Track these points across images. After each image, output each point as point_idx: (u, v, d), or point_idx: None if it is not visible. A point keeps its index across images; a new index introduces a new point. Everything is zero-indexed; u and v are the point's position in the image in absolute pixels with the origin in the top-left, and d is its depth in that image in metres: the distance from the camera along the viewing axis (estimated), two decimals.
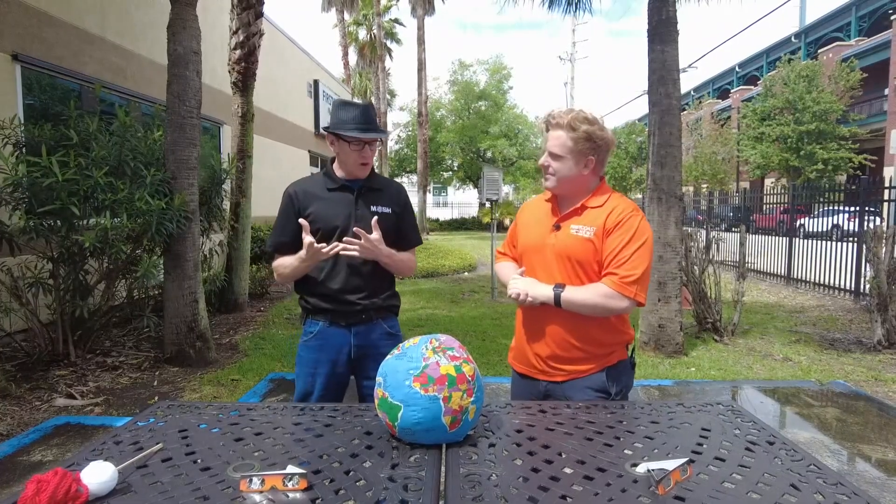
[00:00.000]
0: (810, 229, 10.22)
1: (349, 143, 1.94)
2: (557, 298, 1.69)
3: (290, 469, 1.13)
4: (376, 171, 2.13)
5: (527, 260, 1.85)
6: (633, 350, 1.88)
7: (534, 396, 1.85)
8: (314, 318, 2.07)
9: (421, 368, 1.32)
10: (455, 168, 32.40)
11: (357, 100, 2.16)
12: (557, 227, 1.77)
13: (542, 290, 1.72)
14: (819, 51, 27.10)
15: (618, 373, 1.78)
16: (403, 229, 2.11)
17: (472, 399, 1.33)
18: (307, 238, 1.86)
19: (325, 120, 15.30)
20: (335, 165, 2.06)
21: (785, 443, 1.36)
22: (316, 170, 14.84)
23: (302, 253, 1.89)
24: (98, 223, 4.22)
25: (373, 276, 2.02)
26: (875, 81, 22.45)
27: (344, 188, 2.02)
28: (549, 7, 6.67)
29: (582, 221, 1.74)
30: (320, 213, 1.99)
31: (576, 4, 6.72)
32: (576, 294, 1.68)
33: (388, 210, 2.05)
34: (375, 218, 1.92)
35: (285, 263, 2.00)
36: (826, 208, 10.42)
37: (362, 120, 1.94)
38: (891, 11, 22.65)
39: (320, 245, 1.86)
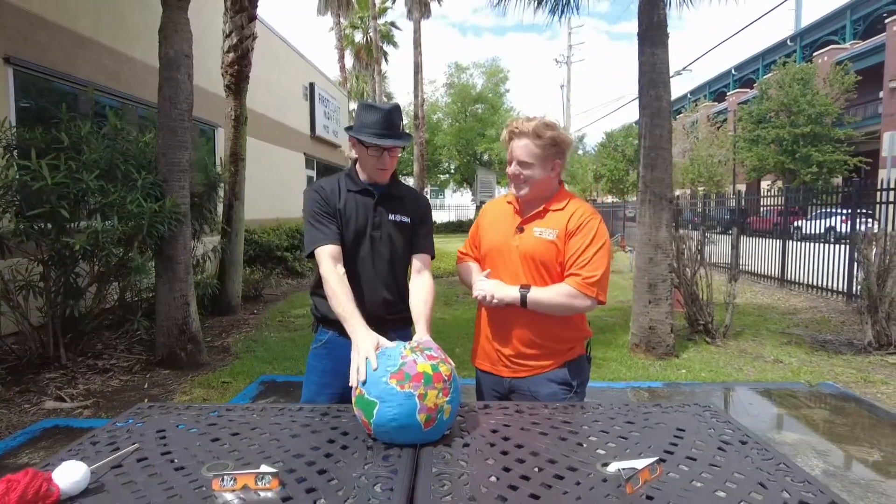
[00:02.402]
0: (806, 231, 10.25)
1: (367, 148, 1.86)
2: (524, 299, 1.74)
3: (263, 468, 1.14)
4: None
5: (490, 261, 1.89)
6: (590, 345, 1.95)
7: (498, 392, 1.90)
8: (325, 326, 1.99)
9: (398, 366, 1.35)
10: (452, 171, 32.46)
11: (384, 104, 1.94)
12: (521, 230, 1.83)
13: (508, 292, 1.76)
14: (814, 54, 27.23)
15: (578, 366, 1.86)
16: (417, 236, 2.00)
17: (447, 399, 1.35)
18: (371, 341, 1.54)
19: (321, 123, 15.31)
20: (358, 167, 1.97)
21: (757, 442, 1.37)
22: (311, 173, 14.85)
23: (357, 333, 1.60)
24: (89, 226, 4.22)
25: (390, 289, 1.95)
26: (870, 84, 22.55)
27: (365, 192, 1.93)
28: (537, 8, 6.69)
29: (544, 224, 1.80)
30: (343, 214, 1.90)
31: (562, 8, 6.75)
32: (541, 294, 1.74)
33: (406, 220, 1.96)
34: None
35: (339, 300, 1.72)
36: (821, 211, 10.46)
37: (384, 125, 1.85)
38: (885, 15, 22.79)
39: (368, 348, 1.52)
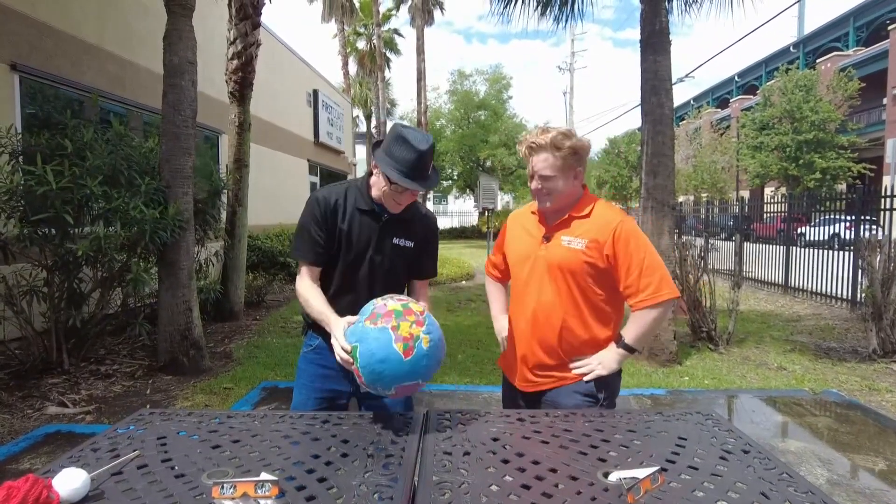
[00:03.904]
0: (810, 238, 10.21)
1: (391, 183, 1.75)
2: (629, 349, 1.79)
3: (263, 476, 1.14)
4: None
5: (517, 272, 1.90)
6: None
7: (525, 403, 1.91)
8: (315, 331, 1.95)
9: (370, 310, 1.47)
10: (455, 177, 32.50)
11: (421, 140, 1.71)
12: (547, 239, 1.82)
13: (612, 357, 1.79)
14: (817, 60, 27.24)
15: (606, 379, 1.81)
16: (421, 259, 1.96)
17: (422, 329, 1.42)
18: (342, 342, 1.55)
19: (324, 129, 15.34)
20: (371, 183, 1.86)
21: (760, 451, 1.36)
22: (315, 179, 14.87)
23: (332, 326, 1.66)
24: (92, 231, 4.24)
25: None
26: (873, 91, 22.54)
27: (372, 213, 1.86)
28: (541, 16, 6.71)
29: (572, 233, 1.79)
30: (344, 234, 1.84)
31: (566, 16, 6.78)
32: (637, 335, 1.78)
33: (410, 244, 1.90)
34: None
35: (310, 303, 1.79)
36: (825, 217, 10.42)
37: (416, 166, 1.72)
38: (888, 22, 22.81)
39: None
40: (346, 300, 1.86)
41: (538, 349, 1.81)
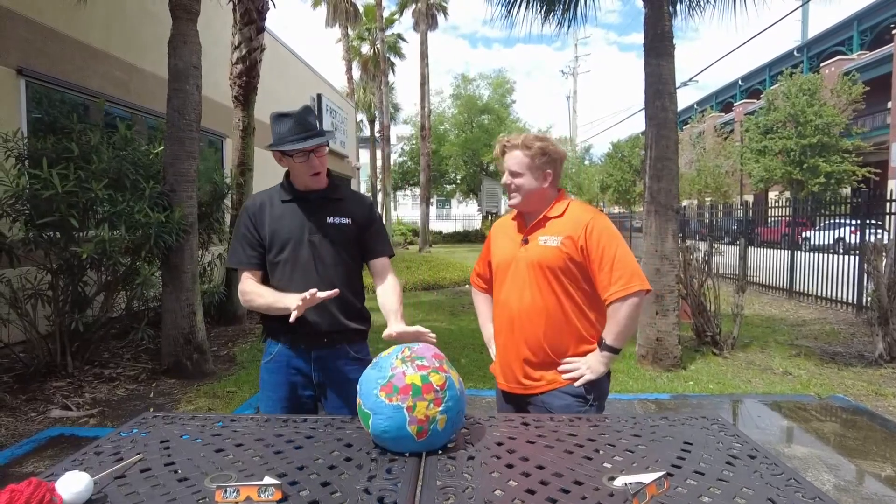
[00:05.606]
0: (815, 242, 10.17)
1: (293, 157, 1.83)
2: (613, 350, 1.82)
3: (266, 480, 1.14)
4: (346, 182, 2.05)
5: (500, 275, 1.94)
6: None
7: (514, 406, 1.94)
8: (273, 338, 1.95)
9: (387, 378, 1.34)
10: (458, 181, 32.56)
11: (292, 109, 1.88)
12: (526, 241, 1.88)
13: (598, 360, 1.82)
14: (821, 64, 27.18)
15: (594, 381, 1.84)
16: (368, 240, 1.97)
17: (439, 409, 1.33)
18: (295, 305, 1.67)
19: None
20: (291, 179, 1.94)
21: (766, 457, 1.35)
22: None
23: (290, 302, 1.71)
24: (97, 235, 4.25)
25: (340, 296, 1.80)
26: (878, 95, 22.45)
27: (298, 199, 1.91)
28: (544, 20, 6.72)
29: (547, 233, 1.85)
30: (274, 226, 1.89)
31: (569, 21, 6.79)
32: (616, 332, 1.80)
33: (346, 220, 1.92)
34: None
35: (260, 294, 1.84)
36: (830, 221, 10.38)
37: (299, 129, 1.81)
38: (892, 26, 22.73)
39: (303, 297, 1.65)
40: (298, 288, 1.83)
41: (525, 349, 1.84)
